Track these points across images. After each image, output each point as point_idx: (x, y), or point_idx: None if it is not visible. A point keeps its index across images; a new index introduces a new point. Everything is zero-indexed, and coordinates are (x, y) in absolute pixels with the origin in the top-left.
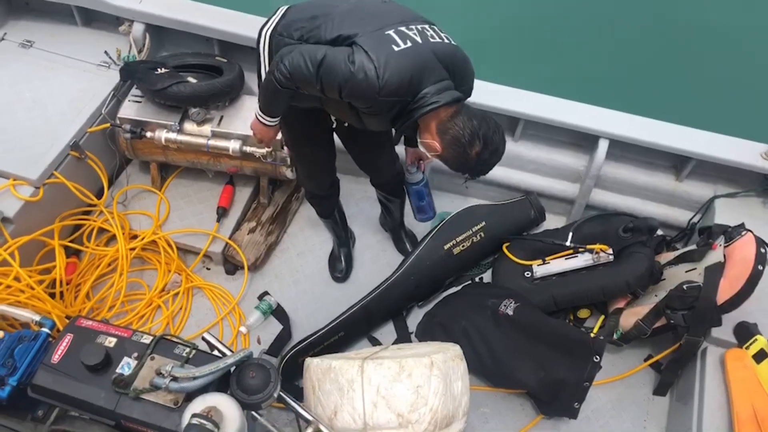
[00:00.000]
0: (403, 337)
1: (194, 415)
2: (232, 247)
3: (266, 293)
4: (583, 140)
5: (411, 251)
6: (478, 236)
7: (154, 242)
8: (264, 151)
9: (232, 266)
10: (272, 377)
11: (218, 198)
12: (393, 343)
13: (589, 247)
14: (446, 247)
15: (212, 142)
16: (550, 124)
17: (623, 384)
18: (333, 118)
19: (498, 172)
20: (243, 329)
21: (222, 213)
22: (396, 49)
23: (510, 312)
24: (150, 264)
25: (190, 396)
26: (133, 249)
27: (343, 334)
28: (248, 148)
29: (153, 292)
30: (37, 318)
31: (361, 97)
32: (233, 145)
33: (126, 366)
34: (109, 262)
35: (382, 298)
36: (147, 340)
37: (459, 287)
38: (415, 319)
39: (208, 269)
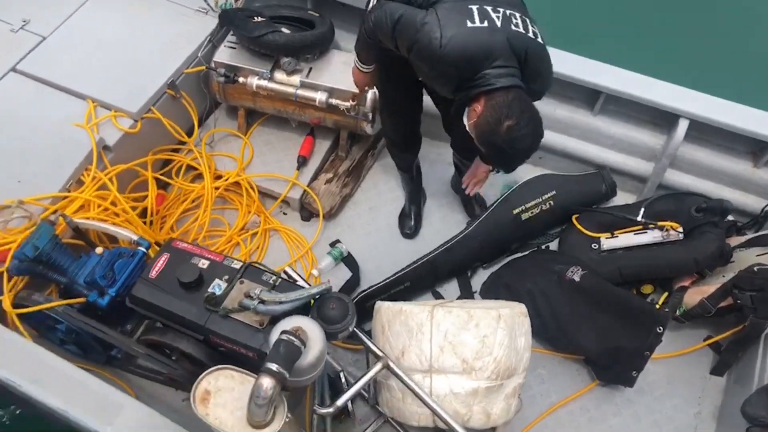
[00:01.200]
0: (466, 295)
1: (284, 332)
2: (309, 195)
3: (338, 241)
4: (662, 119)
5: (480, 213)
6: (547, 204)
7: (237, 183)
8: (348, 104)
9: (307, 213)
10: (350, 311)
11: (299, 147)
12: (456, 299)
13: (660, 223)
14: (515, 211)
15: (300, 92)
16: (631, 100)
17: (680, 361)
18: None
19: (573, 144)
20: (315, 272)
21: (302, 162)
22: (469, 24)
23: (576, 278)
24: (231, 204)
25: (274, 319)
26: (217, 188)
27: (409, 285)
28: (334, 101)
29: (233, 229)
30: (135, 238)
31: (423, 60)
32: (320, 97)
33: (217, 287)
34: (194, 198)
35: (448, 254)
36: (237, 265)
37: (524, 253)
38: (478, 279)
39: (285, 214)
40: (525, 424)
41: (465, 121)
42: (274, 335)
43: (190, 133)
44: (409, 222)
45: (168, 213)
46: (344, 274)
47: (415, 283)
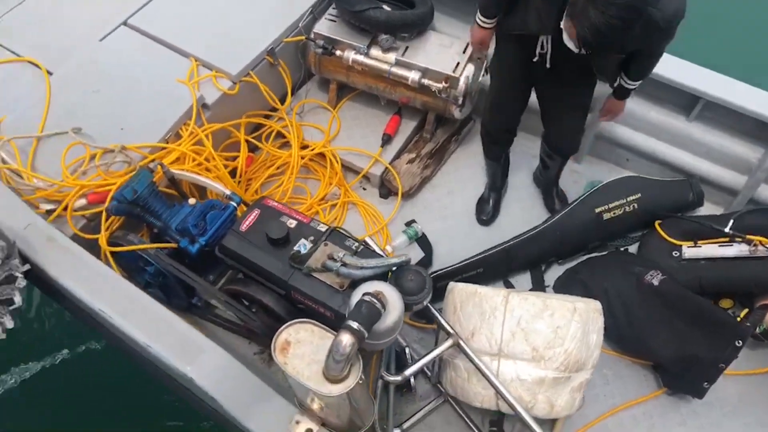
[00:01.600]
0: (538, 288)
1: (366, 293)
2: (390, 173)
3: (413, 221)
4: (762, 130)
5: (560, 208)
6: (631, 207)
7: (322, 154)
8: (440, 86)
9: (386, 190)
10: (427, 285)
11: (385, 125)
12: (528, 291)
13: (748, 237)
14: (597, 210)
15: (394, 70)
16: (732, 109)
17: (755, 380)
18: (538, 50)
19: (663, 149)
20: (389, 248)
21: (387, 140)
22: None
23: (656, 282)
24: (314, 174)
25: (353, 283)
26: (303, 157)
27: (482, 271)
28: (426, 81)
29: (314, 198)
30: (227, 192)
31: None
32: (413, 76)
33: (302, 246)
34: (280, 164)
35: (525, 245)
36: (322, 228)
37: (602, 253)
38: (552, 273)
39: (364, 189)
40: (585, 421)
41: None
42: (356, 296)
43: (282, 101)
44: (487, 208)
45: (254, 176)
46: (416, 254)
47: (488, 270)
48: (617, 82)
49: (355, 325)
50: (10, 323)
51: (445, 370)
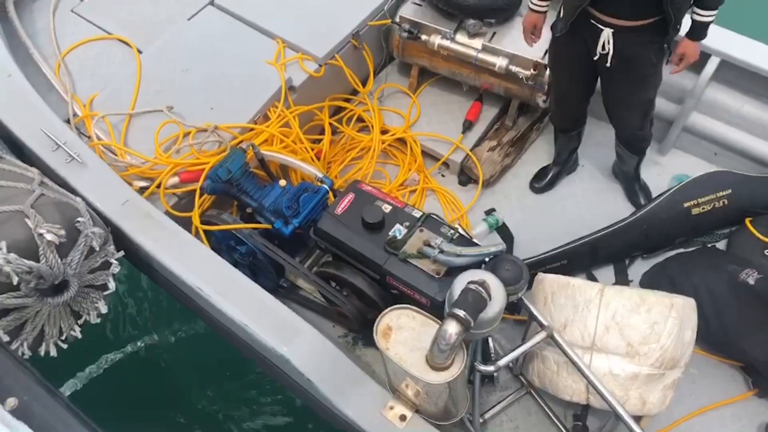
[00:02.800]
0: (621, 282)
1: (471, 282)
2: (470, 160)
3: (493, 210)
4: None
5: (649, 201)
6: (721, 202)
7: (402, 139)
8: (528, 73)
9: (465, 177)
10: (524, 275)
11: (466, 111)
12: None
13: None
14: (686, 204)
15: (481, 56)
16: None
17: None
18: (599, 49)
19: (756, 145)
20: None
21: (468, 126)
22: None
23: (751, 281)
24: (393, 159)
25: (449, 270)
26: (383, 142)
27: (566, 263)
28: (513, 68)
29: (393, 184)
30: (320, 175)
31: None
32: (500, 62)
33: (398, 231)
34: (360, 148)
35: (610, 237)
36: (417, 214)
37: (689, 249)
38: (636, 268)
39: (443, 176)
40: (671, 420)
41: None
42: (459, 284)
43: (363, 84)
44: (544, 178)
45: (333, 159)
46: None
47: (572, 262)
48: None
49: (461, 313)
50: (104, 308)
51: (532, 361)
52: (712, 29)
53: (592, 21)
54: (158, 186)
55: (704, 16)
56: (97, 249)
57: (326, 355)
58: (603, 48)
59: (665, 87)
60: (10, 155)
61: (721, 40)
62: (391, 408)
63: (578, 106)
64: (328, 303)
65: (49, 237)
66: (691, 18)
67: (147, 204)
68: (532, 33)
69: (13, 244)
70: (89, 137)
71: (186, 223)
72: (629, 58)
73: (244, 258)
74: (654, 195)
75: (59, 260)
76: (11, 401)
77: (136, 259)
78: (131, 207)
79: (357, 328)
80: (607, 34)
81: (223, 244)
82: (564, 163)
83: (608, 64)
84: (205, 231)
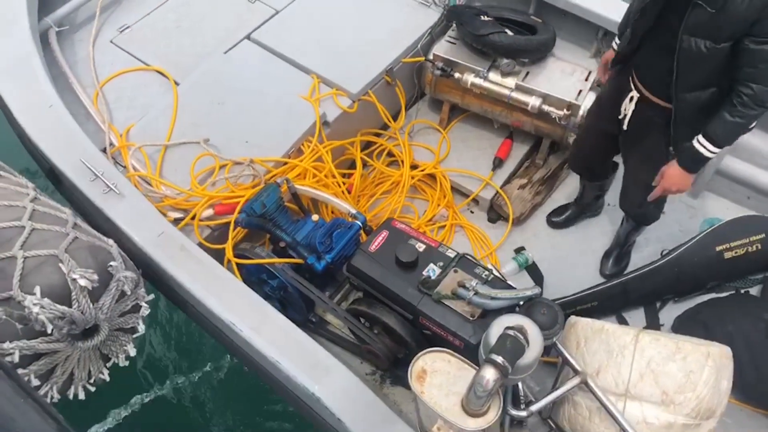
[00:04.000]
0: (652, 326)
1: (509, 327)
2: (500, 197)
3: (523, 248)
4: None
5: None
6: (754, 247)
7: (432, 175)
8: (562, 113)
9: (495, 215)
10: (559, 320)
11: (496, 148)
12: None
13: None
14: (718, 248)
15: (514, 95)
16: None
17: None
18: (622, 107)
19: None
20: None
21: (498, 163)
22: None
23: None
24: (422, 194)
25: (483, 313)
26: (413, 177)
27: (596, 305)
28: (546, 107)
29: (422, 219)
30: (353, 211)
31: None
32: (534, 102)
33: (432, 271)
34: (390, 183)
35: (642, 280)
36: (451, 254)
37: (721, 294)
38: (667, 312)
39: (472, 212)
40: None
41: None
42: (496, 329)
43: (394, 119)
44: (562, 214)
45: (363, 193)
46: (526, 283)
47: (603, 304)
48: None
49: (499, 359)
50: (132, 351)
51: (562, 405)
52: None
53: (630, 78)
54: (193, 218)
55: (702, 146)
56: (129, 293)
57: (357, 395)
58: (625, 108)
59: None
60: (44, 195)
61: None
62: None
63: (591, 155)
64: (358, 340)
65: (82, 282)
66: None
67: (182, 236)
68: (602, 71)
69: (47, 288)
70: (125, 167)
71: (218, 255)
72: (642, 131)
73: (275, 291)
74: (685, 239)
75: (91, 305)
76: None
77: (169, 291)
78: (166, 239)
79: (386, 367)
80: (632, 95)
81: (254, 277)
82: (585, 206)
83: (624, 127)
84: (237, 264)
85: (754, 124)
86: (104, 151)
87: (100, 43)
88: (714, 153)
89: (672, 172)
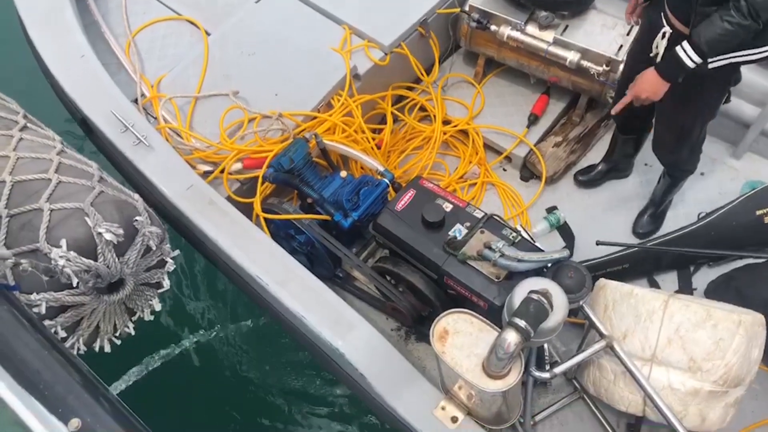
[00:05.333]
0: (684, 290)
1: (533, 291)
2: (534, 155)
3: (555, 208)
4: None
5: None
6: None
7: (464, 131)
8: (600, 69)
9: (528, 173)
10: (587, 283)
11: (532, 104)
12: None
13: None
14: (758, 212)
15: (552, 49)
16: None
17: None
18: (654, 45)
19: None
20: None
21: (533, 120)
22: None
23: None
24: (453, 151)
25: (509, 275)
26: (445, 133)
27: (627, 267)
28: (585, 63)
29: (453, 176)
30: (381, 168)
31: None
32: (572, 56)
33: (458, 231)
34: (421, 139)
35: (676, 243)
36: (479, 214)
37: (758, 260)
38: (701, 276)
39: (504, 170)
40: None
41: None
42: (520, 292)
43: (427, 73)
44: (591, 172)
45: (392, 149)
46: (557, 243)
47: (634, 266)
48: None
49: (522, 323)
50: (158, 306)
51: (587, 368)
52: None
53: (662, 13)
54: (222, 171)
55: (684, 51)
56: (154, 248)
57: (380, 351)
58: (657, 45)
59: (744, 87)
60: (70, 148)
61: None
62: (443, 408)
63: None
64: (383, 297)
65: (108, 236)
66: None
67: (210, 189)
68: (632, 11)
69: (73, 242)
70: (156, 119)
71: (247, 210)
72: None
73: (303, 247)
74: (725, 201)
75: (116, 259)
76: (75, 422)
77: (198, 244)
78: (195, 192)
79: (410, 324)
80: (664, 31)
81: (281, 232)
82: (614, 164)
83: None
84: (265, 219)
85: (745, 56)
86: (135, 101)
87: None
88: (693, 62)
89: (646, 76)
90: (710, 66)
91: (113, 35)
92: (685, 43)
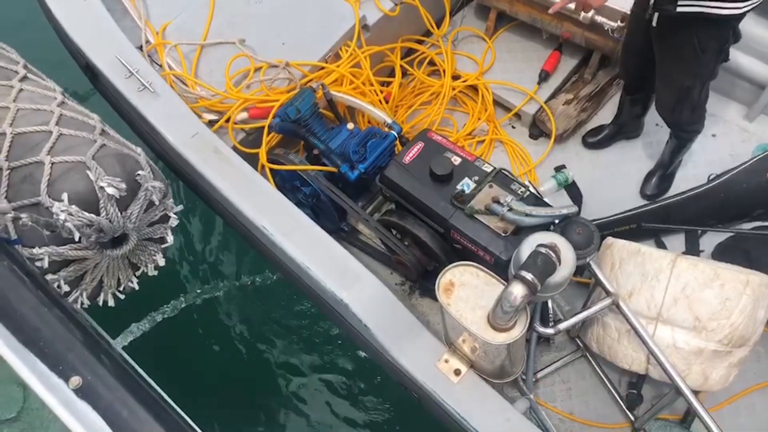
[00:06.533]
0: (692, 252)
1: (541, 245)
2: (544, 112)
3: (563, 166)
4: None
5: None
6: None
7: (474, 87)
8: (615, 24)
9: (537, 131)
10: (594, 240)
11: (543, 61)
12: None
13: None
14: None
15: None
16: None
17: None
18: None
19: None
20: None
21: (544, 77)
22: None
23: None
24: (462, 107)
25: (516, 230)
26: (454, 88)
27: (635, 227)
28: (600, 18)
29: (461, 132)
30: (389, 120)
31: None
32: (587, 11)
33: (466, 185)
34: (430, 93)
35: (685, 203)
36: (488, 168)
37: (767, 223)
38: (708, 238)
39: (514, 128)
40: (730, 394)
41: None
42: (527, 246)
43: (438, 26)
44: (599, 134)
45: (401, 103)
46: (564, 202)
47: (642, 226)
48: None
49: (529, 276)
50: (161, 261)
51: (591, 326)
52: None
53: None
54: (227, 120)
55: None
56: (157, 203)
57: (385, 304)
58: (652, 2)
59: (758, 46)
60: (72, 99)
61: None
62: (446, 361)
63: (636, 61)
64: (389, 251)
65: (110, 190)
66: None
67: (215, 138)
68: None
69: (75, 196)
70: (161, 66)
71: (252, 160)
72: (669, 29)
73: (308, 199)
74: (736, 164)
75: (119, 214)
76: (75, 380)
77: (203, 193)
78: (200, 140)
79: (415, 278)
80: None
81: (287, 184)
82: (622, 126)
83: (654, 24)
84: (270, 169)
85: (713, 7)
86: (140, 48)
87: None
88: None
89: None
90: (678, 10)
91: None
92: None
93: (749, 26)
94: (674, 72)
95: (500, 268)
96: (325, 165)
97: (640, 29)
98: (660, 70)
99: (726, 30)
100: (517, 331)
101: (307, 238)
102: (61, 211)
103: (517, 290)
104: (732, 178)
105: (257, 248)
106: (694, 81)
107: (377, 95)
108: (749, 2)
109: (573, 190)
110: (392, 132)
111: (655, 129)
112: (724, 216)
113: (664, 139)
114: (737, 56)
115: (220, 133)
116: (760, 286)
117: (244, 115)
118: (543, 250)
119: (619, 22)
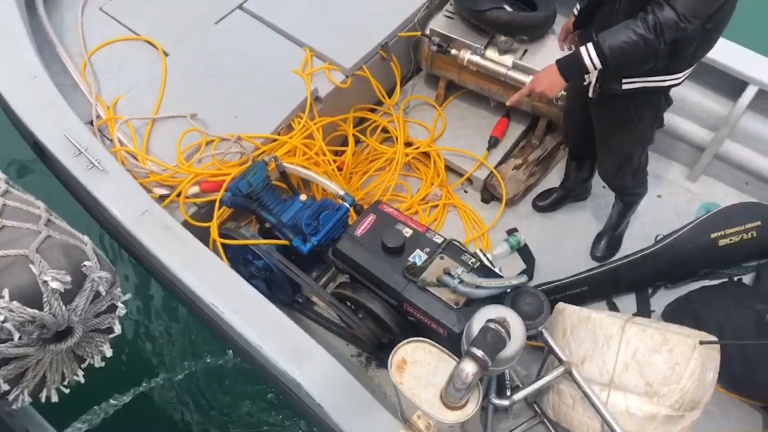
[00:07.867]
0: (642, 312)
1: (490, 320)
2: (494, 177)
3: (515, 230)
4: None
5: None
6: (749, 234)
7: (426, 153)
8: (559, 94)
9: (489, 195)
10: (545, 309)
11: (492, 127)
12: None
13: None
14: (713, 235)
15: (511, 73)
16: None
17: None
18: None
19: None
20: (488, 257)
21: (493, 143)
22: None
23: None
24: (415, 172)
25: (468, 301)
26: (407, 155)
27: (586, 290)
28: None
29: (415, 198)
30: (341, 192)
31: None
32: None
33: (418, 257)
34: (384, 160)
35: (634, 265)
36: (438, 239)
37: (714, 282)
38: (659, 298)
39: (466, 192)
40: None
41: None
42: (478, 321)
43: (389, 95)
44: (547, 198)
45: (356, 170)
46: (517, 265)
47: (593, 289)
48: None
49: (479, 353)
50: (108, 351)
51: (547, 393)
52: (750, 58)
53: (592, 39)
54: (178, 195)
55: (587, 50)
56: (104, 293)
57: (338, 381)
58: (589, 76)
59: (699, 112)
60: (16, 187)
61: (760, 68)
62: None
63: (577, 129)
64: (343, 323)
65: (54, 285)
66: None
67: (165, 214)
68: (564, 38)
69: (17, 291)
70: (111, 141)
71: (204, 234)
72: (606, 100)
73: (261, 272)
74: (681, 224)
75: (63, 307)
76: None
77: (153, 269)
78: (150, 217)
79: (370, 350)
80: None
81: (239, 257)
82: (570, 189)
83: (590, 95)
84: (222, 244)
85: (658, 81)
86: (91, 123)
87: (89, 10)
88: (592, 64)
89: (546, 70)
90: (624, 87)
91: (68, 55)
92: (589, 45)
93: (685, 91)
94: (614, 140)
95: (454, 341)
96: (277, 238)
97: (579, 100)
98: (599, 139)
99: (660, 98)
100: (471, 408)
101: (258, 316)
102: (1, 308)
103: (468, 367)
104: (678, 238)
105: (210, 326)
106: (633, 148)
107: (330, 165)
108: (688, 71)
109: (525, 253)
110: (345, 204)
111: (602, 191)
112: (672, 276)
113: (611, 201)
114: (676, 121)
115: (171, 208)
116: (706, 349)
117: (196, 189)
118: (492, 325)
119: (563, 91)
